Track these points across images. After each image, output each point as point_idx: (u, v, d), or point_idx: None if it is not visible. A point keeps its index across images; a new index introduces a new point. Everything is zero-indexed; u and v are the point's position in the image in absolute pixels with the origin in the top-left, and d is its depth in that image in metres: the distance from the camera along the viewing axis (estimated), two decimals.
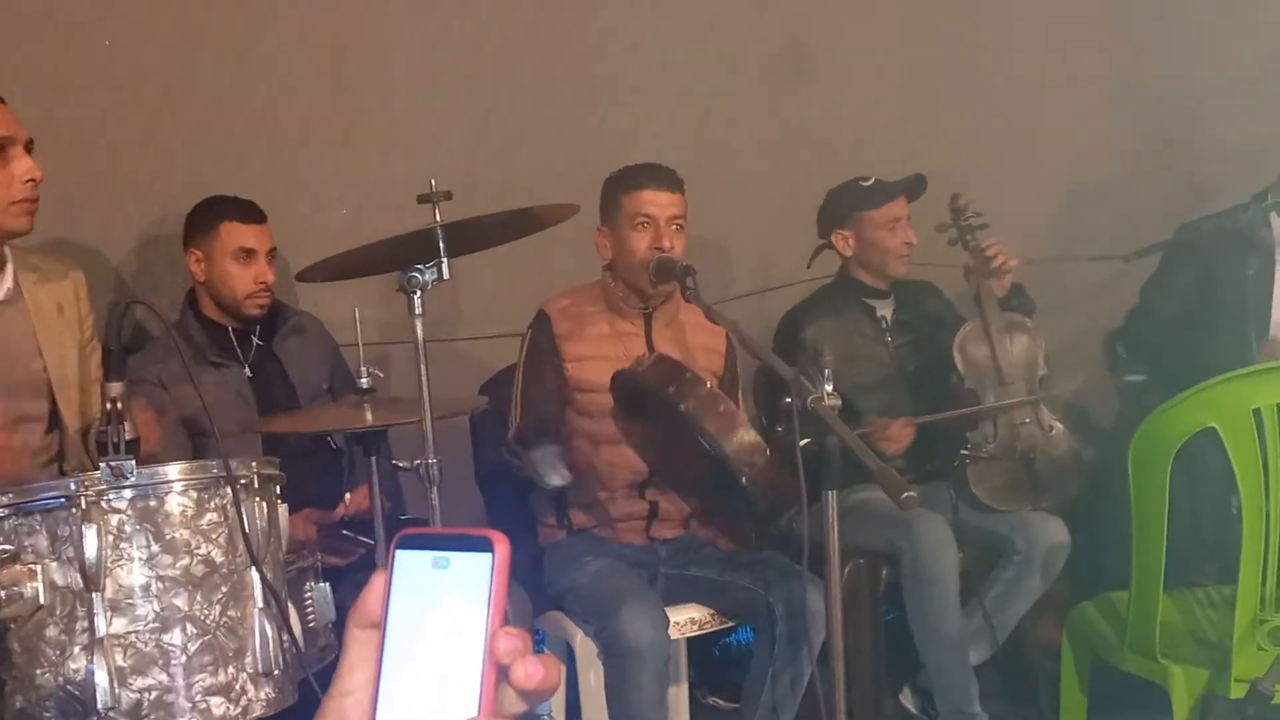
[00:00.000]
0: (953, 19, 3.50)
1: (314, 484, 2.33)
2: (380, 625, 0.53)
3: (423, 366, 1.64)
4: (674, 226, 2.37)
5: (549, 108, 3.11)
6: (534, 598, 2.41)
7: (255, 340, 2.47)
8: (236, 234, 2.39)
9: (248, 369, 2.43)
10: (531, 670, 0.51)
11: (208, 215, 2.42)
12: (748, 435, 1.94)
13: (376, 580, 0.55)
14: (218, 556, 1.32)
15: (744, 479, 1.91)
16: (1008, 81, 3.55)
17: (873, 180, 2.79)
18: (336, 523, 2.26)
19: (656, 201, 2.36)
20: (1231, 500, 2.01)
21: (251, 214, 2.42)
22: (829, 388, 1.76)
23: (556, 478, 2.18)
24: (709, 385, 1.94)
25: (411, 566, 0.54)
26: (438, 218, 1.61)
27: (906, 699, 2.80)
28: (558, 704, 2.48)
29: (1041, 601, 2.67)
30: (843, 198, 2.85)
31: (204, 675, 1.29)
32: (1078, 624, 2.28)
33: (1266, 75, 3.59)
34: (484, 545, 0.53)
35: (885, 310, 2.90)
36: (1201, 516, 2.49)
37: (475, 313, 3.08)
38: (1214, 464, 2.04)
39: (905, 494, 1.56)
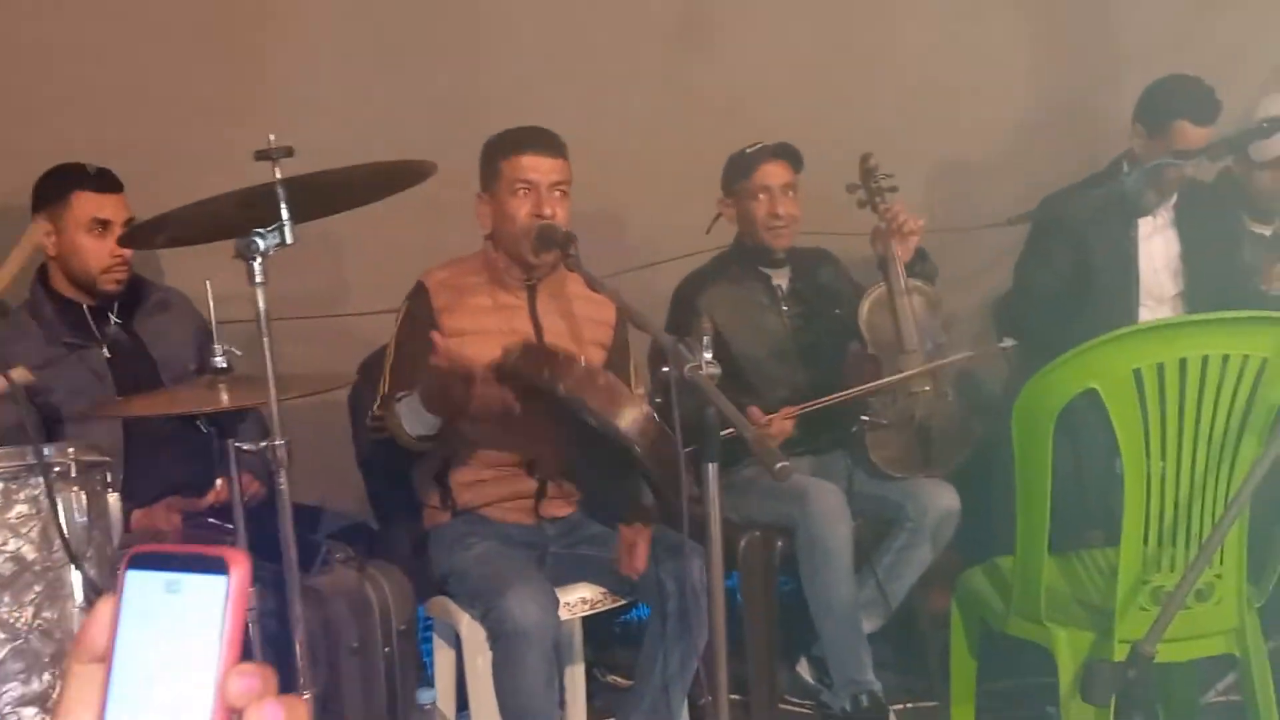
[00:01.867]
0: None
1: (180, 469, 2.22)
2: (107, 660, 0.45)
3: (265, 341, 1.54)
4: (556, 193, 2.28)
5: (434, 73, 3.00)
6: (420, 583, 2.33)
7: (114, 318, 2.33)
8: (89, 204, 2.25)
9: (105, 349, 2.29)
10: (269, 716, 0.44)
11: (58, 183, 2.27)
12: (635, 408, 1.89)
13: (102, 607, 0.46)
14: (29, 553, 1.21)
15: (637, 452, 1.85)
16: (913, 48, 3.51)
17: (755, 147, 2.74)
18: (203, 511, 2.14)
19: (538, 167, 2.27)
20: (1115, 463, 2.00)
21: (106, 183, 2.28)
22: (708, 355, 1.70)
23: (421, 426, 2.08)
24: (583, 362, 1.86)
25: (142, 590, 0.46)
26: (277, 175, 1.51)
27: (803, 669, 2.79)
28: (445, 690, 2.41)
29: (934, 569, 2.68)
30: (728, 165, 2.81)
31: (14, 684, 1.18)
32: (965, 590, 2.28)
33: (1174, 47, 3.62)
34: (219, 567, 0.45)
35: (781, 279, 2.86)
36: (1087, 480, 2.51)
37: (367, 287, 2.97)
38: (1099, 426, 2.03)
39: (779, 465, 1.50)
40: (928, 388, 2.65)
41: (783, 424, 2.54)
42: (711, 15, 3.35)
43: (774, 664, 2.67)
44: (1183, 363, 1.84)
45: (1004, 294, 3.21)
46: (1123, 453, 1.88)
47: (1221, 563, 1.95)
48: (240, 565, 0.45)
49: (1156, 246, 2.93)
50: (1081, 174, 3.23)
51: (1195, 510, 1.92)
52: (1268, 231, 3.28)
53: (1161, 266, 2.95)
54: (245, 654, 0.46)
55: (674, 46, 3.31)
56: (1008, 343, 2.68)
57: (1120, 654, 1.89)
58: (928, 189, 3.48)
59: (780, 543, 2.62)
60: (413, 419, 2.09)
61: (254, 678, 0.44)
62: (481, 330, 2.26)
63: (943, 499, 2.59)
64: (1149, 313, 2.94)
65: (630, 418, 1.85)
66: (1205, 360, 1.84)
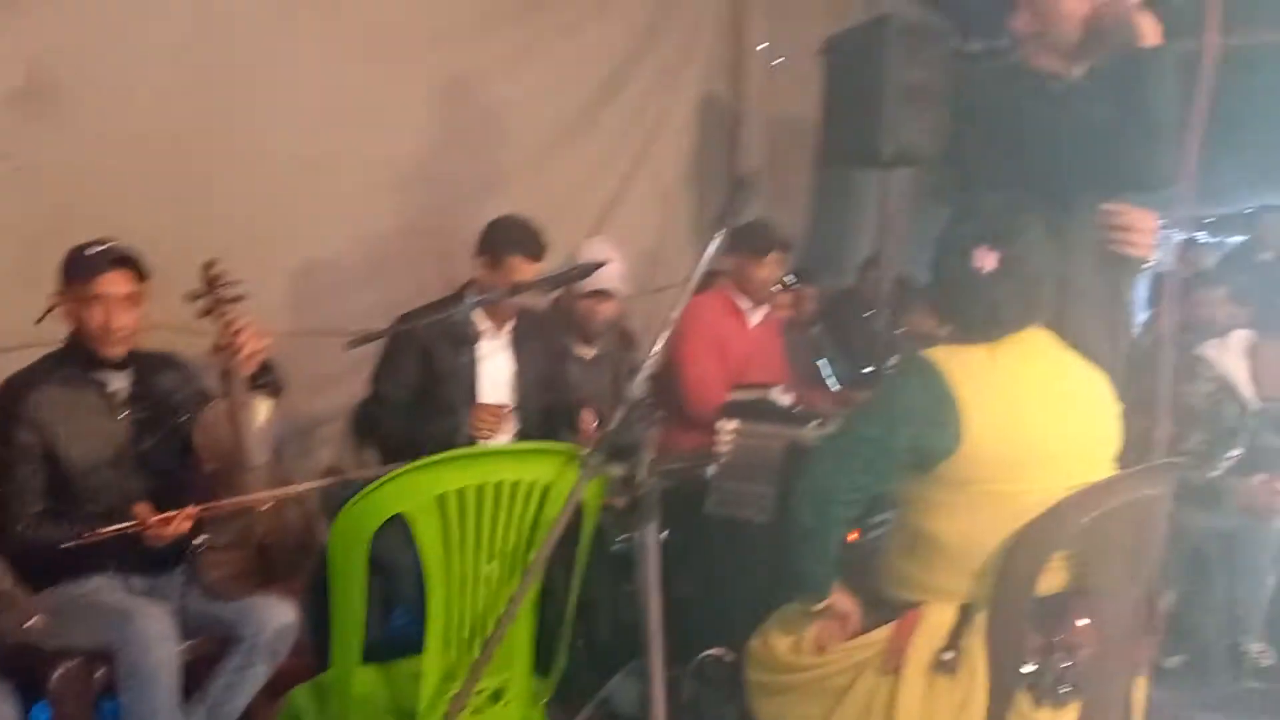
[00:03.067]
0: (224, 85, 3.35)
1: None
2: None
3: None
4: None
5: None
6: None
7: None
8: None
9: None
10: None
11: None
12: None
13: None
14: None
15: None
16: (278, 153, 3.50)
17: (97, 248, 2.58)
18: None
19: None
20: None
21: None
22: None
23: None
24: None
25: None
26: None
27: None
28: None
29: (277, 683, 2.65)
30: (67, 260, 2.61)
31: None
32: (292, 706, 2.30)
33: (527, 184, 4.05)
34: None
35: (120, 383, 2.70)
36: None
37: None
38: None
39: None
40: (268, 504, 2.65)
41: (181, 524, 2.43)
42: (63, 89, 3.09)
43: None
44: (480, 488, 2.06)
45: (363, 400, 3.33)
46: (425, 570, 2.04)
47: (513, 666, 2.19)
48: None
49: (493, 366, 3.25)
50: (440, 290, 3.50)
51: (490, 620, 2.13)
52: (590, 354, 3.80)
53: (501, 383, 3.27)
54: None
55: (16, 116, 3.01)
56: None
57: None
58: (294, 289, 3.52)
59: (103, 669, 2.44)
60: None
61: None
62: None
63: (278, 615, 2.59)
64: None
65: None
66: (499, 485, 2.07)
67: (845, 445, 2.11)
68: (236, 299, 2.62)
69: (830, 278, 5.87)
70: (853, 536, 2.68)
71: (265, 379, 2.70)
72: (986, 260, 2.06)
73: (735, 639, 2.56)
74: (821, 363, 5.34)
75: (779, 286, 4.21)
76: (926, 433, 2.03)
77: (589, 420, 3.35)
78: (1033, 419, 2.06)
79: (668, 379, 4.14)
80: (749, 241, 3.96)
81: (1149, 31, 2.38)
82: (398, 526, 2.01)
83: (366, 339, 2.54)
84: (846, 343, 5.61)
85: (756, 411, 3.15)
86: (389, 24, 3.56)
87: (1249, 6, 5.39)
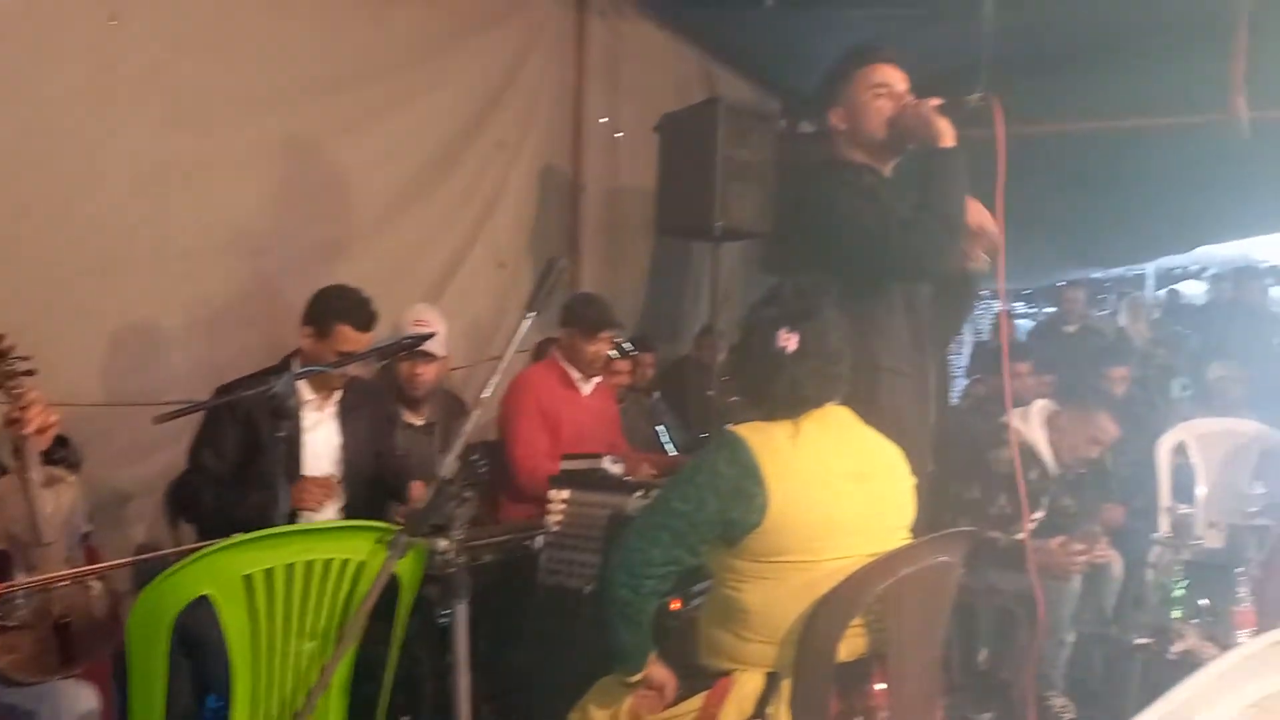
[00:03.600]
0: (38, 151, 3.17)
1: None
2: None
3: None
4: None
5: None
6: None
7: None
8: None
9: None
10: None
11: None
12: None
13: None
14: None
15: None
16: (97, 219, 3.33)
17: None
18: None
19: None
20: None
21: None
22: None
23: None
24: None
25: None
26: None
27: None
28: None
29: None
30: None
31: None
32: None
33: (366, 235, 4.01)
34: None
35: None
36: None
37: None
38: None
39: None
40: (66, 582, 2.54)
41: None
42: None
43: None
44: (290, 567, 2.03)
45: (181, 473, 3.23)
46: (230, 653, 2.00)
47: None
48: None
49: (319, 437, 3.21)
50: (265, 359, 3.43)
51: (300, 698, 2.09)
52: (419, 421, 3.79)
53: (323, 456, 3.22)
54: None
55: None
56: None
57: None
58: (111, 357, 3.38)
59: None
60: None
61: None
62: None
63: (79, 701, 2.46)
64: None
65: None
66: (310, 564, 2.05)
67: (657, 519, 2.17)
68: (27, 372, 2.48)
69: (668, 345, 6.01)
70: (675, 605, 2.73)
71: (60, 454, 2.60)
72: (789, 341, 2.17)
73: (567, 709, 2.57)
74: (660, 429, 5.46)
75: (616, 354, 4.31)
76: (733, 506, 2.11)
77: (419, 491, 3.33)
78: (832, 493, 2.16)
79: (499, 451, 4.17)
80: (580, 319, 4.04)
81: (945, 134, 2.59)
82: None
83: (178, 413, 2.48)
84: (684, 410, 5.75)
85: (586, 481, 3.20)
86: (219, 88, 3.50)
87: (1061, 99, 5.88)
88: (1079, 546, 3.87)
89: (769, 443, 2.16)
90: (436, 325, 3.71)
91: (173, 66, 3.35)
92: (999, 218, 2.67)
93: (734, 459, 2.14)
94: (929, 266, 2.63)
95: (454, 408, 4.02)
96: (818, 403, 2.22)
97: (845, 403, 2.31)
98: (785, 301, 2.23)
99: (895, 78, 2.75)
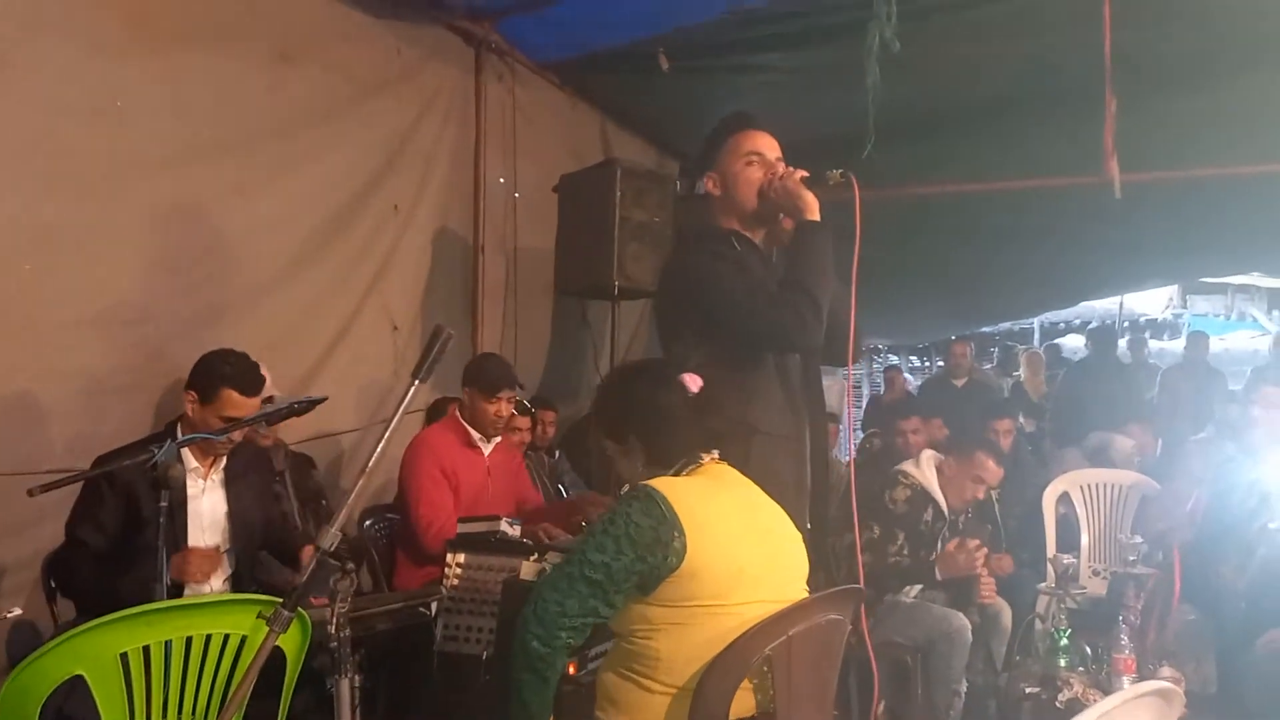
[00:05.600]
0: None
1: None
2: None
3: None
4: None
5: None
6: None
7: None
8: None
9: None
10: None
11: None
12: None
13: None
14: None
15: None
16: None
17: None
18: None
19: None
20: None
21: None
22: None
23: None
24: None
25: None
26: None
27: None
28: None
29: None
30: None
31: None
32: None
33: (242, 305, 3.93)
34: None
35: None
36: None
37: None
38: None
39: None
40: None
41: None
42: None
43: None
44: (168, 644, 1.97)
45: (59, 547, 3.11)
46: None
47: None
48: None
49: (205, 506, 3.13)
50: (149, 430, 3.34)
51: None
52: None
53: (210, 525, 3.14)
54: None
55: None
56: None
57: None
58: None
59: None
60: None
61: None
62: None
63: None
64: None
65: None
66: (190, 640, 2.00)
67: (573, 570, 2.18)
68: None
69: (569, 404, 6.01)
70: (572, 669, 2.72)
71: None
72: (692, 384, 2.31)
73: None
74: (560, 487, 5.45)
75: (515, 413, 4.29)
76: (652, 552, 2.14)
77: (309, 556, 3.26)
78: (739, 542, 2.22)
79: (395, 516, 4.12)
80: (479, 379, 4.03)
81: (811, 207, 2.65)
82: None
83: (57, 484, 2.40)
84: (585, 467, 5.74)
85: (483, 544, 3.17)
86: (104, 151, 3.42)
87: (950, 161, 6.11)
88: (974, 542, 3.97)
89: (681, 493, 2.21)
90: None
91: (54, 129, 3.27)
92: (854, 283, 2.73)
93: (648, 510, 2.17)
94: (792, 340, 2.68)
95: (300, 463, 3.99)
96: (706, 448, 2.31)
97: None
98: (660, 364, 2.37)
99: (766, 145, 2.80)
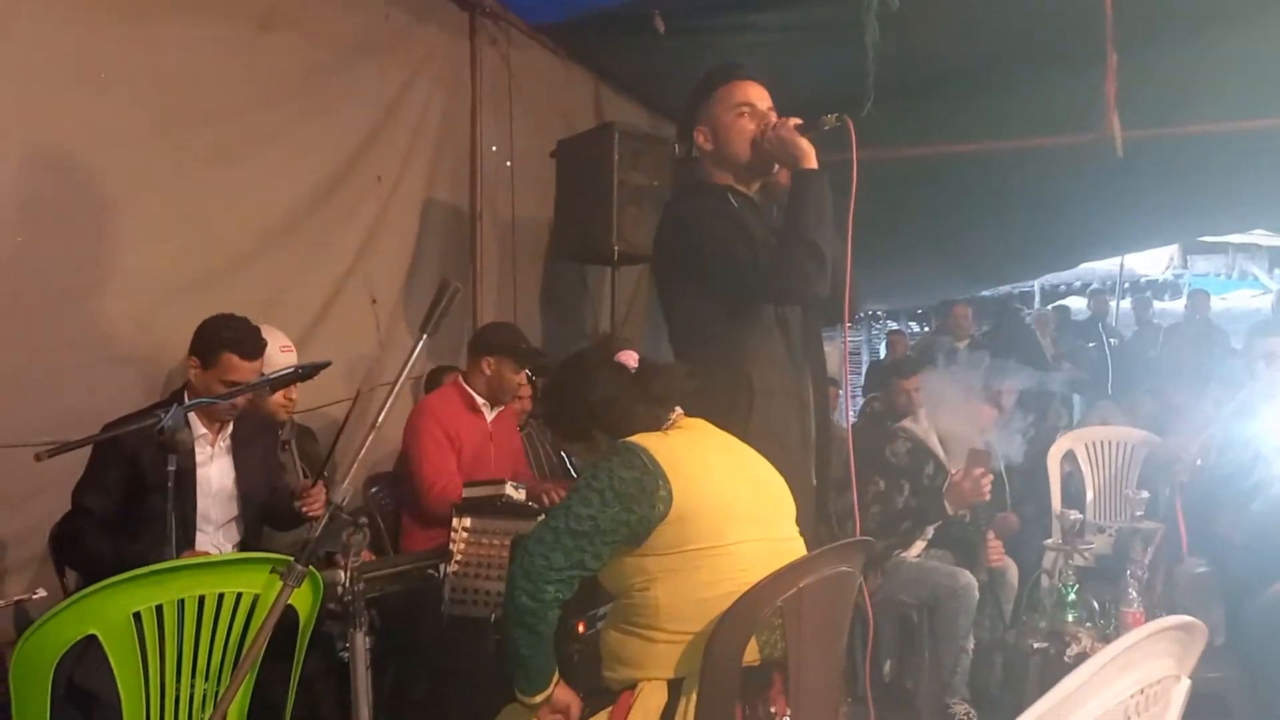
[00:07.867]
0: None
1: None
2: None
3: None
4: None
5: None
6: None
7: None
8: None
9: None
10: None
11: None
12: None
13: None
14: None
15: None
16: None
17: None
18: None
19: None
20: None
21: None
22: None
23: None
24: None
25: None
26: None
27: None
28: None
29: None
30: None
31: None
32: None
33: (225, 274, 3.86)
34: None
35: None
36: None
37: None
38: None
39: None
40: None
41: None
42: None
43: None
44: (180, 602, 1.97)
45: (65, 516, 3.09)
46: (121, 691, 1.93)
47: None
48: None
49: (212, 473, 3.12)
50: (142, 399, 3.31)
51: None
52: None
53: (217, 491, 3.13)
54: None
55: None
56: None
57: None
58: None
59: None
60: None
61: None
62: None
63: None
64: (205, 537, 3.10)
65: None
66: (202, 599, 1.99)
67: (559, 524, 2.18)
68: None
69: None
70: (580, 628, 2.72)
71: None
72: (629, 359, 2.35)
73: None
74: (564, 454, 5.44)
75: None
76: (639, 503, 2.14)
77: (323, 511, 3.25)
78: (723, 483, 2.24)
79: (400, 482, 4.11)
80: (511, 349, 4.03)
81: (807, 155, 2.60)
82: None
83: (62, 448, 2.38)
84: None
85: (489, 508, 3.17)
86: (86, 122, 3.35)
87: (948, 120, 6.07)
88: (979, 470, 3.97)
89: (660, 444, 2.22)
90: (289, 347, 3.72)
91: (36, 102, 3.23)
92: (849, 238, 2.67)
93: (629, 462, 2.17)
94: (795, 292, 2.63)
95: (303, 433, 3.98)
96: (667, 410, 2.34)
97: (723, 424, 2.40)
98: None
99: (757, 95, 2.73)
